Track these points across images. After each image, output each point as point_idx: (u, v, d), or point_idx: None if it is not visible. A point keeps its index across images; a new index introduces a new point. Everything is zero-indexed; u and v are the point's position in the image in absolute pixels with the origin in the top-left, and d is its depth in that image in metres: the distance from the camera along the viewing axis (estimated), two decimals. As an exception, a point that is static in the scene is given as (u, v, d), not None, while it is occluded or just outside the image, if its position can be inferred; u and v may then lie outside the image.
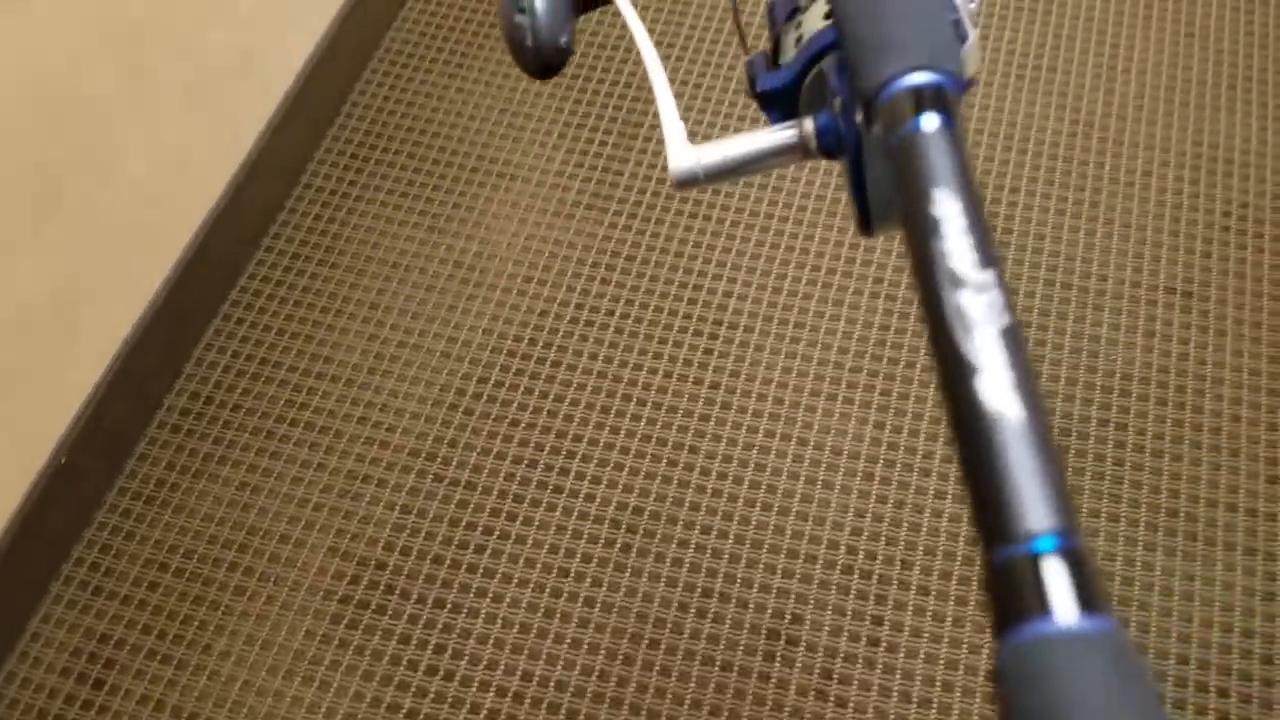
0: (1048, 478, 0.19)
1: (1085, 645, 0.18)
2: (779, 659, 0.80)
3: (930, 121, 0.24)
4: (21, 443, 0.82)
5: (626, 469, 0.89)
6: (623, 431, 0.91)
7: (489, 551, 0.86)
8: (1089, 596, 0.18)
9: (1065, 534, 0.19)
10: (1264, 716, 0.77)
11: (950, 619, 0.82)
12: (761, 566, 0.84)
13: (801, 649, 0.81)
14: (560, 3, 0.41)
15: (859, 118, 0.29)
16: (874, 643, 0.81)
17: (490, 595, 0.84)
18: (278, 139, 1.01)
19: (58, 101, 0.76)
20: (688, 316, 0.96)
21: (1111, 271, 0.96)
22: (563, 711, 0.79)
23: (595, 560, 0.85)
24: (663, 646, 0.81)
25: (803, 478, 0.88)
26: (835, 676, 0.79)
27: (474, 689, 0.80)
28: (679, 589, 0.83)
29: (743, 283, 0.98)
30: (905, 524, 0.86)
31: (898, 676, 0.79)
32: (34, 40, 0.73)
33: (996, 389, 0.20)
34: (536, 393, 0.93)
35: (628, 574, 0.84)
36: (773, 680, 0.80)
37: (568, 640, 0.82)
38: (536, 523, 0.87)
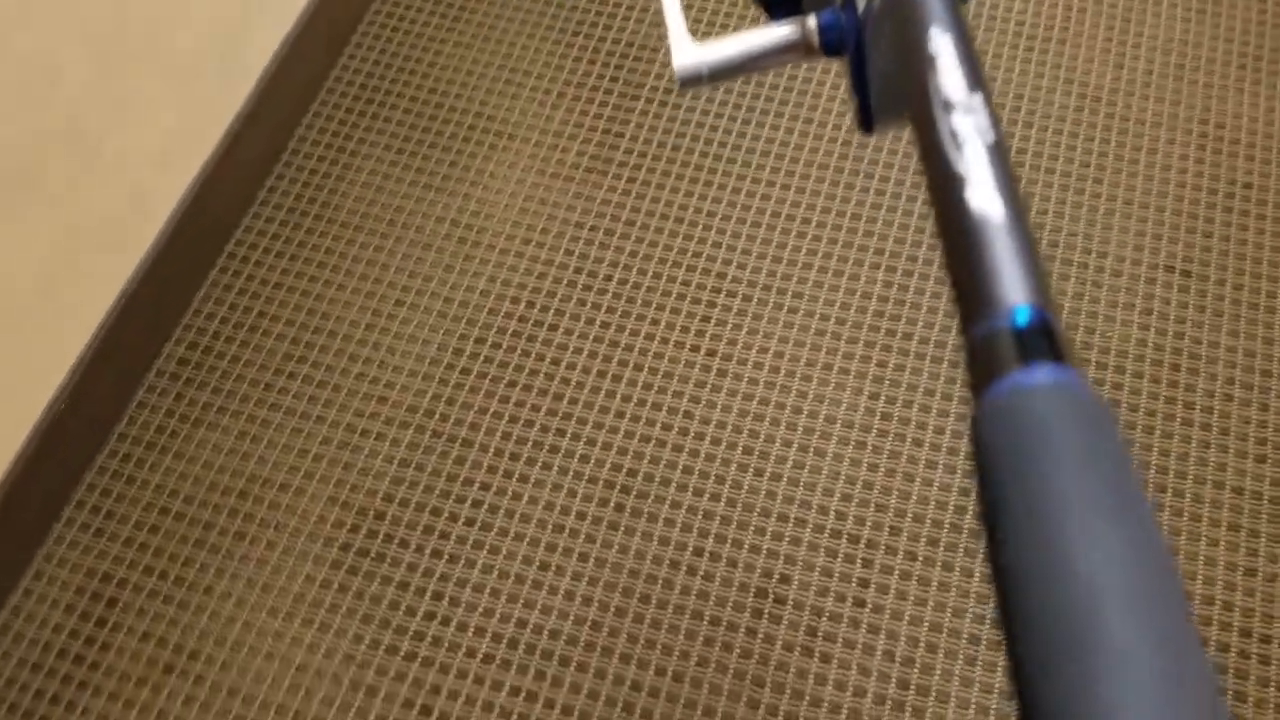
0: (1027, 261, 0.22)
1: (1057, 392, 0.20)
2: (766, 616, 0.84)
3: None
4: (23, 386, 0.85)
5: (621, 431, 0.92)
6: (618, 395, 0.94)
7: (485, 506, 0.89)
8: (1061, 354, 0.21)
9: (1040, 306, 0.22)
10: (1239, 686, 0.82)
11: (935, 584, 0.85)
12: (752, 529, 0.88)
13: (789, 607, 0.85)
14: None
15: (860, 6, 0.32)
16: (860, 604, 0.85)
17: (486, 547, 0.87)
18: (273, 93, 1.03)
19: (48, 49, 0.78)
20: (686, 283, 0.99)
21: (1112, 248, 0.99)
22: (554, 658, 0.83)
23: (589, 518, 0.88)
24: (653, 601, 0.85)
25: (796, 445, 0.91)
26: (820, 634, 0.83)
27: (469, 634, 0.84)
28: (670, 547, 0.87)
29: (742, 250, 1.00)
30: (896, 492, 0.89)
31: (882, 636, 0.83)
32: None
33: (983, 195, 0.23)
34: (533, 354, 0.96)
35: (620, 532, 0.88)
36: (759, 636, 0.84)
37: (560, 592, 0.85)
38: (532, 480, 0.90)
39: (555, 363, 0.97)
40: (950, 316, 0.96)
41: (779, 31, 0.37)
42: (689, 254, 1.01)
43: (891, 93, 0.33)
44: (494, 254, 1.02)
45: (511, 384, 0.96)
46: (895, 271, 1.00)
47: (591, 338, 0.98)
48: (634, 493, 0.90)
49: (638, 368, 0.96)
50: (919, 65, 0.26)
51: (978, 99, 0.25)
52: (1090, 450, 0.20)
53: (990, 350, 0.21)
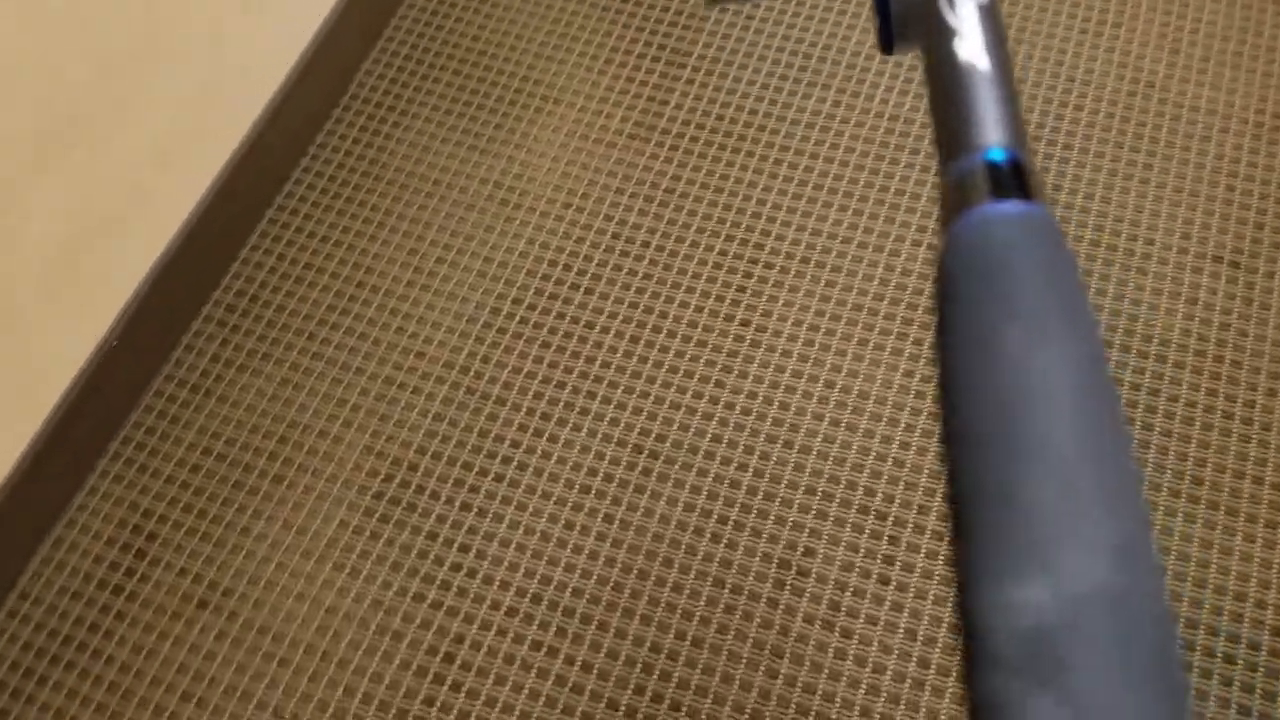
0: (1006, 108, 0.24)
1: (1022, 222, 0.22)
2: (789, 587, 0.86)
3: None
4: (75, 325, 0.89)
5: (652, 397, 0.94)
6: (651, 360, 0.95)
7: (515, 463, 0.91)
8: (1029, 190, 0.22)
9: (1014, 147, 0.23)
10: (1268, 684, 0.81)
11: (960, 562, 0.86)
12: (779, 500, 0.89)
13: (811, 580, 0.86)
14: None
15: None
16: (884, 581, 0.86)
17: (514, 504, 0.90)
18: (328, 48, 1.06)
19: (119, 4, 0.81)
20: (723, 252, 1.00)
21: (1160, 236, 0.98)
22: (576, 616, 0.85)
23: (616, 480, 0.90)
24: (676, 565, 0.87)
25: (827, 419, 0.92)
26: (843, 609, 0.84)
27: (494, 587, 0.86)
28: (696, 514, 0.89)
29: (782, 222, 1.01)
30: (925, 471, 0.90)
31: (905, 614, 0.84)
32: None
33: (971, 47, 0.25)
34: (568, 317, 0.98)
35: (647, 496, 0.90)
36: (781, 607, 0.85)
37: (585, 551, 0.87)
38: (561, 440, 0.92)
39: (590, 326, 0.99)
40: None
41: None
42: (727, 223, 1.03)
43: (909, 10, 0.35)
44: (534, 216, 1.04)
45: (546, 345, 0.98)
46: (935, 252, 1.00)
47: (627, 303, 0.99)
48: (662, 458, 0.92)
49: (671, 334, 0.98)
50: None
51: None
52: (1047, 275, 0.21)
53: (963, 185, 0.23)
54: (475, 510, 0.91)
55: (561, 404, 0.95)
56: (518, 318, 0.99)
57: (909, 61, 1.09)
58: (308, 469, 0.93)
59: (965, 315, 0.21)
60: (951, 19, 0.25)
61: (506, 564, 0.88)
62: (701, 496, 0.90)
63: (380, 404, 0.96)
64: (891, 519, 0.89)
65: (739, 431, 0.93)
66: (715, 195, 1.04)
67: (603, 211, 1.04)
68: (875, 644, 0.84)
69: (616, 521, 0.90)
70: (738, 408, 0.94)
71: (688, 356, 0.96)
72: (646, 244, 1.02)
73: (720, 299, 0.99)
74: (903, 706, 0.81)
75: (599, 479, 0.91)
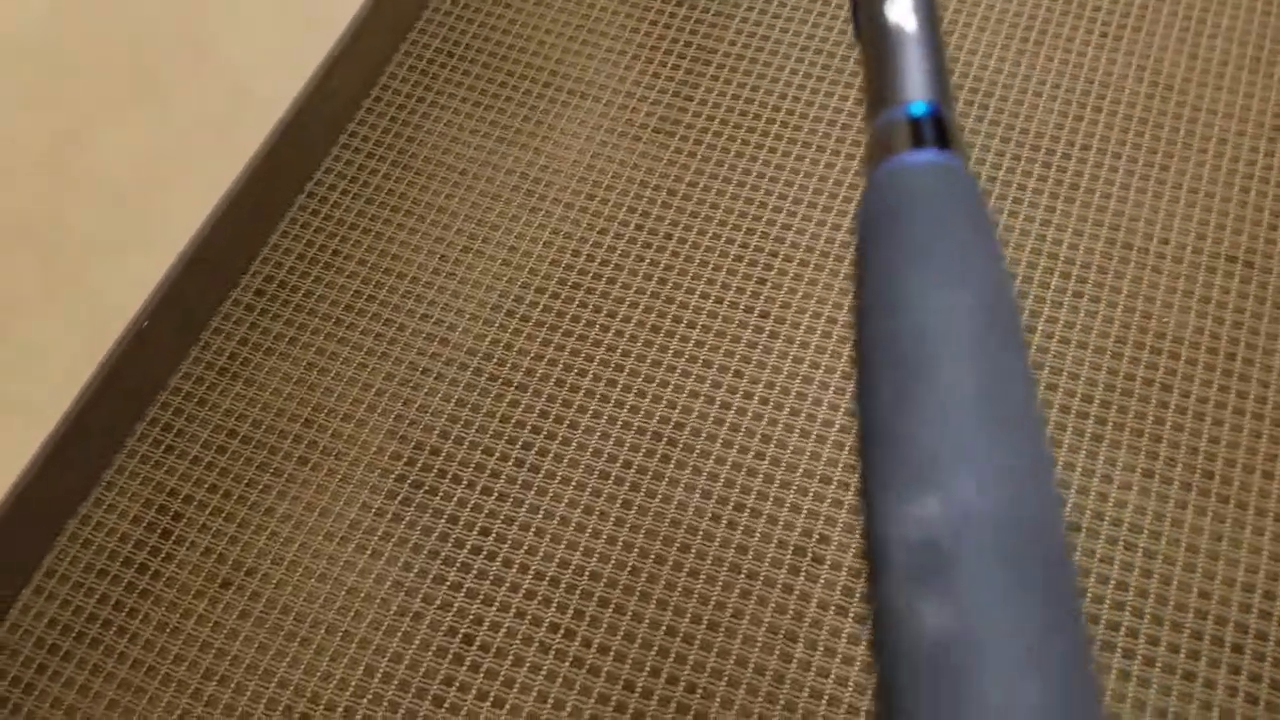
0: (931, 66, 0.26)
1: (939, 170, 0.24)
2: (804, 574, 0.88)
3: None
4: (105, 308, 0.92)
5: (671, 386, 0.96)
6: (670, 350, 0.98)
7: (535, 449, 0.94)
8: (948, 141, 0.24)
9: (935, 101, 0.25)
10: (1275, 673, 0.83)
11: (975, 552, 0.88)
12: (795, 488, 0.91)
13: (826, 567, 0.88)
14: None
15: None
16: (898, 568, 0.88)
17: (534, 489, 0.92)
18: (360, 38, 1.09)
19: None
20: (744, 245, 1.03)
21: (1174, 236, 1.00)
22: (594, 599, 0.87)
23: (635, 467, 0.93)
24: (693, 551, 0.89)
25: (843, 409, 0.94)
26: (856, 594, 0.87)
27: (514, 570, 0.89)
28: (713, 501, 0.91)
29: (802, 217, 1.04)
30: (940, 461, 0.92)
31: (918, 600, 0.86)
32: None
33: (900, 9, 0.27)
34: (590, 306, 1.01)
35: (665, 482, 0.92)
36: (796, 592, 0.87)
37: (604, 536, 0.90)
38: (581, 427, 0.95)
39: (611, 315, 1.01)
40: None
41: None
42: (749, 218, 1.05)
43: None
44: (559, 208, 1.07)
45: (568, 334, 1.01)
46: (953, 248, 1.03)
47: (648, 294, 1.02)
48: (680, 445, 0.95)
49: (690, 325, 1.00)
50: None
51: None
52: (954, 220, 0.22)
53: (886, 136, 0.24)
54: (495, 494, 0.93)
55: (582, 392, 0.97)
56: (540, 306, 1.02)
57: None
58: (331, 452, 0.96)
59: (874, 257, 0.22)
60: None
61: (525, 548, 0.91)
62: (719, 484, 0.93)
63: (404, 389, 0.98)
64: (907, 510, 0.91)
65: (756, 420, 0.95)
66: (737, 189, 1.07)
67: (626, 204, 1.07)
68: (890, 631, 0.86)
69: (634, 507, 0.92)
70: (755, 397, 0.96)
71: (707, 346, 0.99)
72: (669, 236, 1.05)
73: (741, 291, 1.02)
74: (916, 693, 0.83)
75: (618, 465, 0.94)
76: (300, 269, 1.05)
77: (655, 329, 1.00)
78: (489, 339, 1.00)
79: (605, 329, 1.00)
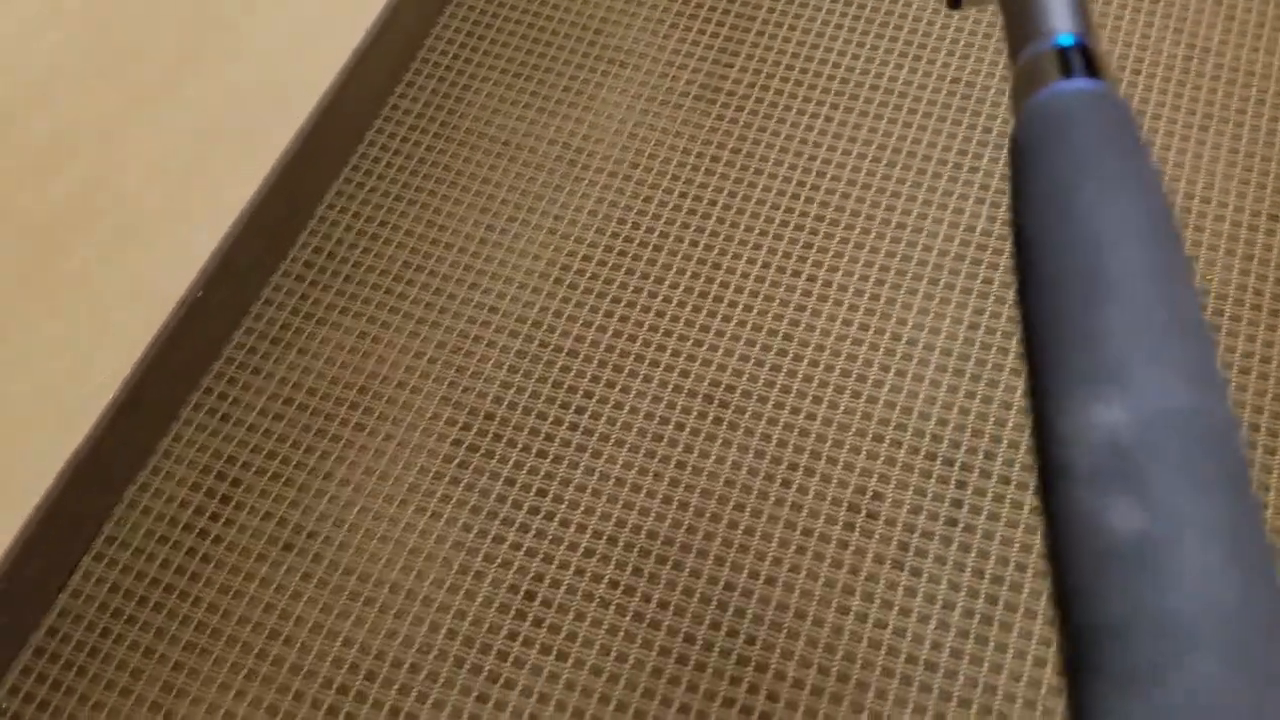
0: (1075, 0, 0.27)
1: (1091, 96, 0.25)
2: (857, 530, 0.90)
3: None
4: (161, 279, 0.94)
5: (721, 349, 0.99)
6: (719, 315, 1.00)
7: (588, 413, 0.96)
8: (1097, 70, 0.25)
9: (1082, 34, 0.26)
10: None
11: (1028, 506, 0.91)
12: (846, 447, 0.94)
13: (880, 523, 0.90)
14: None
15: None
16: (951, 523, 0.90)
17: (588, 451, 0.95)
18: (399, 10, 1.11)
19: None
20: (790, 209, 1.05)
21: (1215, 195, 1.03)
22: (651, 556, 0.90)
23: (687, 429, 0.95)
24: (747, 510, 0.91)
25: (893, 369, 0.97)
26: (912, 549, 0.89)
27: (571, 530, 0.91)
28: (765, 460, 0.93)
29: (847, 180, 1.06)
30: (992, 418, 0.94)
31: (973, 554, 0.89)
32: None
33: None
34: (637, 274, 1.03)
35: (717, 443, 0.94)
36: (850, 548, 0.90)
37: (659, 496, 0.92)
38: (633, 391, 0.97)
39: (659, 282, 1.03)
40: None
41: None
42: (793, 183, 1.08)
43: None
44: (602, 177, 1.09)
45: (616, 300, 1.03)
46: (999, 208, 1.05)
47: (695, 259, 1.04)
48: (732, 407, 0.97)
49: (739, 290, 1.03)
50: None
51: None
52: (1114, 142, 0.23)
53: (1035, 68, 0.25)
54: (551, 457, 0.95)
55: (632, 356, 1.00)
56: (588, 274, 1.04)
57: (970, 25, 1.14)
58: (388, 418, 0.98)
59: (1039, 179, 0.23)
60: None
61: (583, 508, 0.93)
62: (771, 443, 0.95)
63: (456, 356, 1.01)
64: (959, 464, 0.93)
65: (807, 382, 0.97)
66: (780, 155, 1.09)
67: (669, 171, 1.09)
68: (944, 582, 0.89)
69: (689, 468, 0.94)
70: (805, 359, 0.98)
71: (755, 310, 1.01)
72: (713, 202, 1.07)
73: (787, 255, 1.04)
74: (972, 640, 0.86)
75: (670, 427, 0.96)
76: (349, 240, 1.07)
77: (703, 294, 1.02)
78: (538, 307, 1.03)
79: (653, 295, 1.02)
